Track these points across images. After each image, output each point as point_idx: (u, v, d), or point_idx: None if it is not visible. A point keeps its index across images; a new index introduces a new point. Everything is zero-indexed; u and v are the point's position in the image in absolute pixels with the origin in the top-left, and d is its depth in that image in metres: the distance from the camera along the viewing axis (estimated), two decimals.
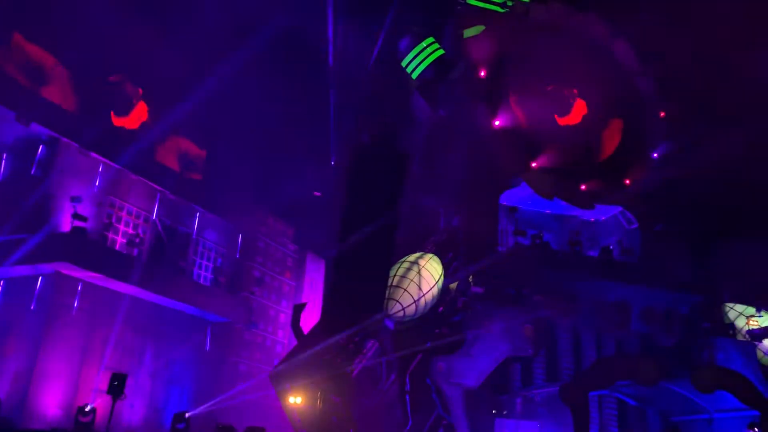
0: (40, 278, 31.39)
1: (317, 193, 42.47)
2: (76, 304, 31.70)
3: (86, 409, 24.93)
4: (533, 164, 31.18)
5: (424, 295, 26.55)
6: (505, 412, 28.52)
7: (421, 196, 32.94)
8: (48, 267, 30.94)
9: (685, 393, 26.13)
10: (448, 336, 26.55)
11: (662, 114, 34.00)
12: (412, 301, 26.29)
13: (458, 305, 27.58)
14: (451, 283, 28.62)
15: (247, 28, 37.82)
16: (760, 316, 29.38)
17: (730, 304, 30.38)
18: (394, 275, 26.87)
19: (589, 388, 25.68)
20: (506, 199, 32.10)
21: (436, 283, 27.21)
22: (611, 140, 33.54)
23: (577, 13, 34.48)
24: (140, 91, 36.33)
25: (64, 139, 32.61)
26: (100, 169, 34.02)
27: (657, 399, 27.84)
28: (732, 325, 29.39)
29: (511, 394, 28.95)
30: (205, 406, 30.86)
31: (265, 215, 45.14)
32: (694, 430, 27.60)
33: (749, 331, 28.66)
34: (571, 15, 34.40)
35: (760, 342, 28.40)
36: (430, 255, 28.45)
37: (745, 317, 29.46)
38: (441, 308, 27.91)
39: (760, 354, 28.34)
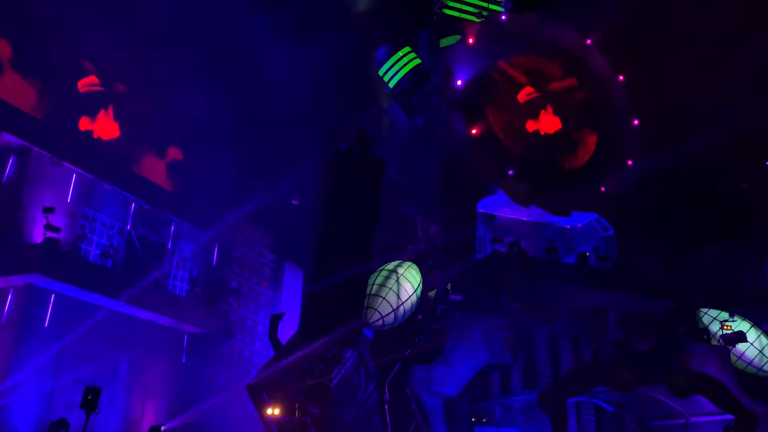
0: (11, 290, 30.74)
1: (295, 202, 42.25)
2: (48, 317, 31.11)
3: (59, 424, 24.38)
4: (510, 172, 31.40)
5: (402, 303, 26.53)
6: (484, 420, 28.52)
7: (399, 204, 33.00)
8: (19, 279, 30.33)
9: (662, 398, 26.36)
10: (428, 344, 26.49)
11: (636, 122, 34.53)
12: (391, 309, 26.24)
13: (437, 313, 27.55)
14: (430, 291, 28.63)
15: (221, 34, 37.75)
16: (733, 321, 29.76)
17: (705, 310, 30.79)
18: (373, 284, 26.79)
19: (567, 395, 25.75)
20: (483, 206, 32.23)
21: (415, 291, 27.19)
22: (586, 148, 33.88)
23: (551, 23, 34.91)
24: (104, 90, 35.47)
25: (36, 149, 32.07)
26: (74, 179, 33.50)
27: (634, 404, 28.05)
28: (706, 330, 29.79)
29: (490, 401, 28.95)
30: (182, 418, 30.48)
31: (242, 224, 44.74)
32: None
33: (723, 336, 29.02)
34: (546, 25, 34.82)
35: (734, 346, 28.77)
36: (409, 263, 28.45)
37: (719, 322, 29.82)
38: (420, 316, 27.87)
39: (734, 358, 28.73)
